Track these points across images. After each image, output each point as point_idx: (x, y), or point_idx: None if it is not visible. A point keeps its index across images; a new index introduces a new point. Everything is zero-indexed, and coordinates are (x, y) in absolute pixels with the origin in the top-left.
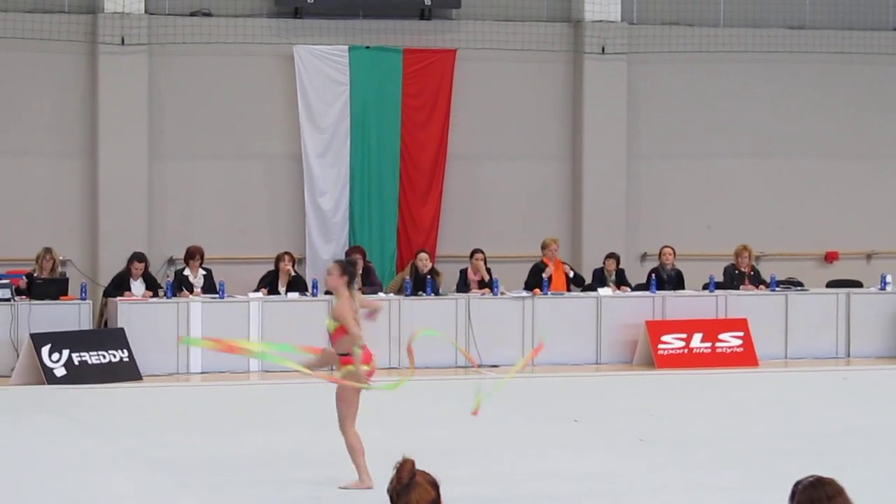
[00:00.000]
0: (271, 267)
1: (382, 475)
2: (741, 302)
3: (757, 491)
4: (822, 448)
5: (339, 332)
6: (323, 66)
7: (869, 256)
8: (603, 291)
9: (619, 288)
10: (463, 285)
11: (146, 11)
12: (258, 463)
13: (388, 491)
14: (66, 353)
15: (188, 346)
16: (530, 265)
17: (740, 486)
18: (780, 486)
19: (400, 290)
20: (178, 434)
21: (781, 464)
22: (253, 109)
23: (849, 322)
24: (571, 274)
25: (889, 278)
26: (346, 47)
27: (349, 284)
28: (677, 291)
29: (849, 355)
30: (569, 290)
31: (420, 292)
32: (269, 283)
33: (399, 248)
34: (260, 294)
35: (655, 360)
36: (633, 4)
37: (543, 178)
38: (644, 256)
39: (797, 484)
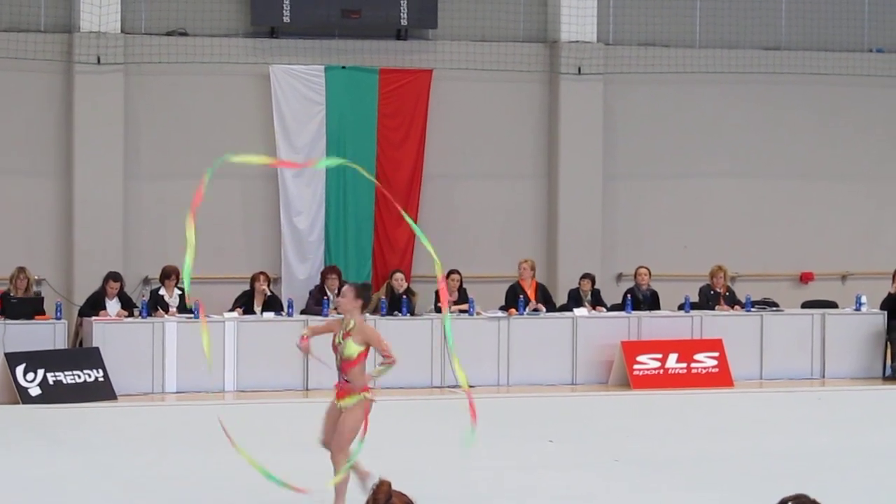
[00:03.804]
0: (247, 286)
1: (359, 497)
2: (717, 322)
3: None
4: (799, 469)
5: (360, 358)
6: (299, 85)
7: (844, 277)
8: (578, 312)
9: (594, 308)
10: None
11: (122, 31)
12: (234, 483)
13: None
14: (40, 372)
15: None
16: (507, 285)
17: None
18: None
19: (375, 311)
20: (154, 454)
21: (759, 484)
22: (229, 129)
23: (824, 343)
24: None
25: (864, 299)
26: (322, 67)
27: (363, 309)
28: (653, 312)
29: (824, 376)
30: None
31: (396, 312)
32: (244, 303)
33: (374, 267)
34: (235, 314)
35: (631, 381)
36: (609, 25)
37: (519, 198)
38: (620, 277)
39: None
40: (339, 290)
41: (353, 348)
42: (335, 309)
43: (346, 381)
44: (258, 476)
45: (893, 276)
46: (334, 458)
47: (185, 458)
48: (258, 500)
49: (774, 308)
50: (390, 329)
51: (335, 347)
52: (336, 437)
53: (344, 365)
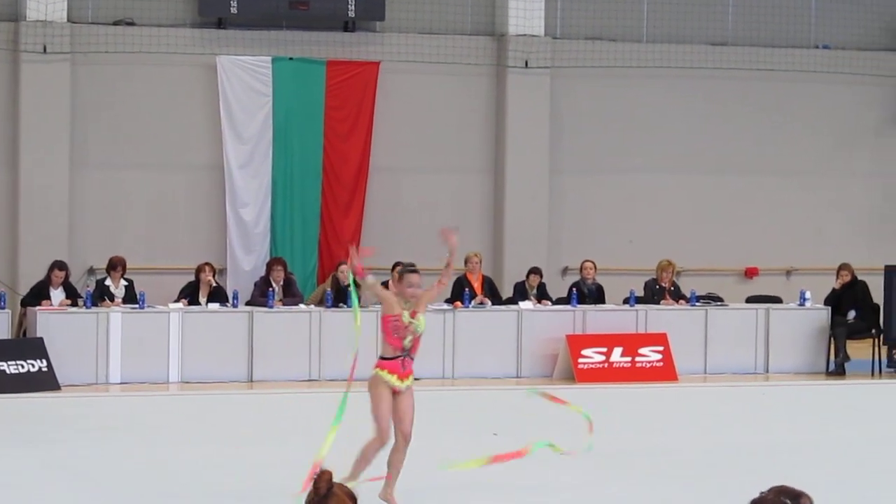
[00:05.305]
0: (192, 277)
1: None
2: (661, 317)
3: None
4: (744, 463)
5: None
6: (246, 76)
7: (788, 273)
8: (524, 305)
9: (540, 302)
10: None
11: (69, 20)
12: (179, 474)
13: (306, 503)
14: None
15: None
16: (453, 278)
17: (665, 501)
18: (707, 499)
19: (321, 303)
20: (98, 445)
21: (706, 478)
22: (176, 119)
23: (768, 338)
24: None
25: (808, 294)
26: (270, 58)
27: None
28: (598, 306)
29: (767, 371)
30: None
31: (341, 304)
32: (189, 294)
33: (320, 260)
34: (180, 305)
35: (576, 374)
36: (557, 19)
37: (466, 191)
38: (565, 270)
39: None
40: (285, 280)
41: (424, 322)
42: (406, 294)
43: (412, 358)
44: (203, 467)
45: (837, 272)
46: (406, 442)
47: (129, 448)
48: (204, 490)
49: (719, 303)
50: (336, 321)
51: (405, 328)
52: (410, 421)
53: (416, 342)
